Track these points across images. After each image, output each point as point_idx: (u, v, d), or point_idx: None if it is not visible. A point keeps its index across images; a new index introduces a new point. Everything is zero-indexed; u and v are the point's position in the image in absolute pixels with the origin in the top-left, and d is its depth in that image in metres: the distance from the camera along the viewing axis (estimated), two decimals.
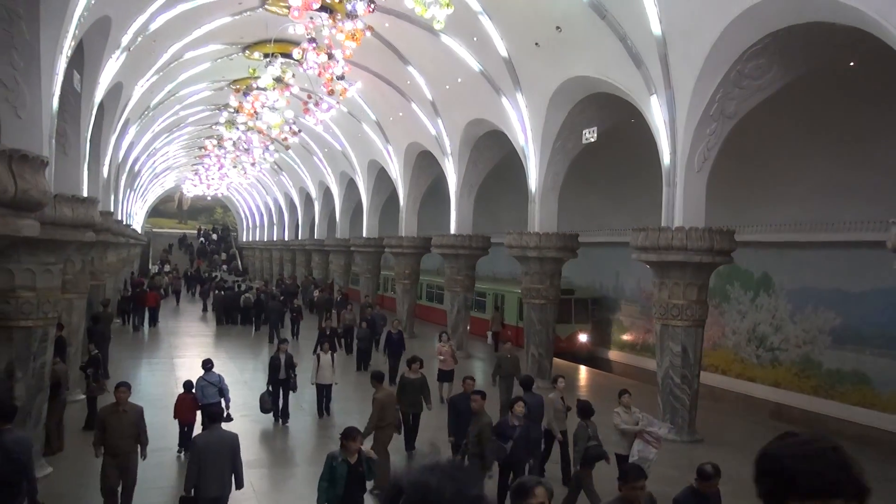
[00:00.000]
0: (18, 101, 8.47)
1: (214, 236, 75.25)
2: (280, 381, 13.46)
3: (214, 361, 12.30)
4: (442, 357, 15.65)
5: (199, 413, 10.91)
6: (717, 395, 16.96)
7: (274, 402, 13.23)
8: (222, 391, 11.58)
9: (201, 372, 11.91)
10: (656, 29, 12.36)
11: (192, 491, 7.34)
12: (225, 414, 10.97)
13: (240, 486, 7.73)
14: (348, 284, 37.10)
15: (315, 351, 16.08)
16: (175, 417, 11.17)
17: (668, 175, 13.26)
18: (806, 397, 15.37)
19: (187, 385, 11.34)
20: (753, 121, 13.12)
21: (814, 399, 15.24)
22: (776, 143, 15.38)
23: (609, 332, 23.79)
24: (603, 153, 18.17)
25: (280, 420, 13.49)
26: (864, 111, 13.63)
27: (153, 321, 27.81)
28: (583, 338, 23.74)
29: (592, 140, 16.42)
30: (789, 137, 15.13)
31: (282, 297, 28.39)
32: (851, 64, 12.28)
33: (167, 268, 49.68)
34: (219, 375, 11.85)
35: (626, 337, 23.16)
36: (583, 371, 21.54)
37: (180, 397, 11.25)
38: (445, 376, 15.57)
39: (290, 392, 13.69)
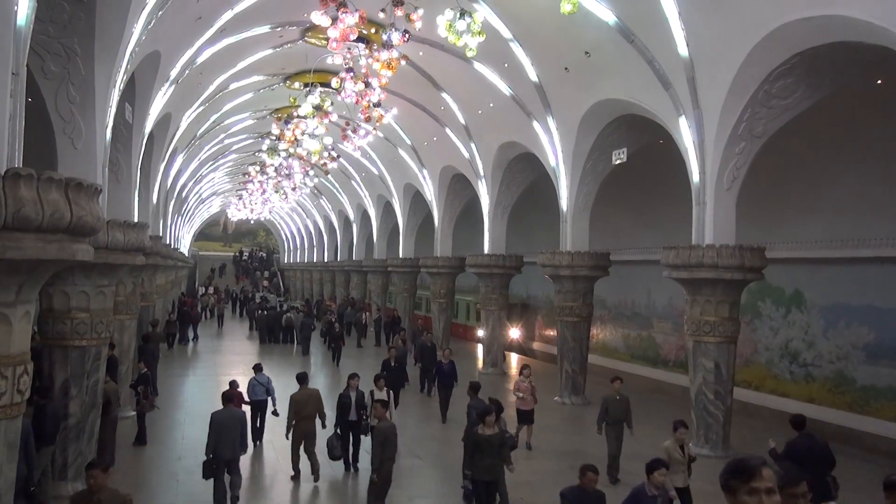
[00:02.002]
0: (75, 133, 8.94)
1: (262, 254, 77.53)
2: (350, 424, 11.60)
3: None
4: (521, 394, 13.27)
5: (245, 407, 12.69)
6: (750, 411, 16.77)
7: (343, 447, 11.45)
8: (269, 390, 13.16)
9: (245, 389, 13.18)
10: (683, 51, 12.53)
11: (211, 455, 9.42)
12: (272, 409, 13.16)
13: (244, 451, 10.03)
14: (385, 304, 37.58)
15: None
16: None
17: (697, 194, 13.37)
18: (840, 413, 15.11)
19: (233, 384, 12.57)
20: (783, 139, 13.14)
21: (848, 415, 14.95)
22: (805, 160, 15.33)
23: (534, 329, 30.16)
24: (633, 173, 18.27)
25: (351, 467, 11.76)
26: (892, 128, 13.54)
27: (194, 337, 30.03)
28: (514, 333, 29.17)
29: (622, 161, 16.60)
30: (818, 155, 15.06)
31: (332, 321, 27.04)
32: (879, 82, 12.27)
33: (211, 290, 51.46)
34: (267, 377, 13.45)
35: (545, 332, 29.05)
36: (513, 357, 28.25)
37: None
38: (525, 417, 13.26)
39: (362, 436, 11.83)
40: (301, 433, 11.16)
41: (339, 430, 11.46)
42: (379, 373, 13.76)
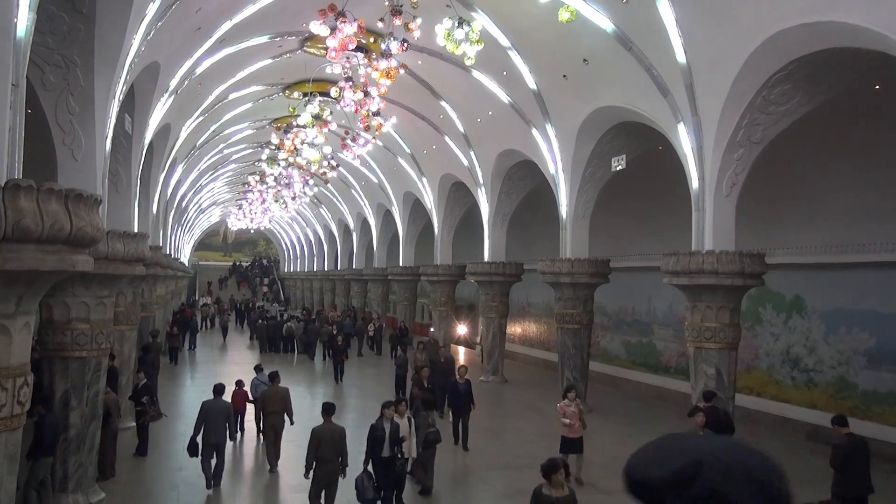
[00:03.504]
0: (74, 144, 8.95)
1: (265, 262, 78.38)
2: (384, 461, 9.47)
3: None
4: (568, 420, 11.50)
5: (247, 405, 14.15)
6: (752, 418, 16.68)
7: (376, 488, 9.26)
8: None
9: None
10: (681, 58, 12.54)
11: (197, 439, 10.72)
12: None
13: (232, 438, 11.90)
14: (386, 313, 37.57)
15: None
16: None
17: (697, 200, 13.36)
18: None
19: (239, 383, 14.06)
20: (782, 144, 13.15)
21: (850, 420, 14.87)
22: (805, 166, 15.34)
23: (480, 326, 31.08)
24: (632, 180, 18.26)
25: None
26: (890, 133, 13.56)
27: (191, 344, 30.45)
28: (461, 330, 32.62)
29: (621, 168, 16.61)
30: (818, 160, 15.07)
31: (334, 332, 25.66)
32: (877, 87, 12.29)
33: (209, 300, 51.67)
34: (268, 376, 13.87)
35: None
36: (461, 350, 31.96)
37: (234, 392, 13.65)
38: (573, 446, 11.52)
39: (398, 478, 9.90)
40: (270, 427, 12.22)
41: (369, 468, 9.45)
42: (402, 396, 12.17)
